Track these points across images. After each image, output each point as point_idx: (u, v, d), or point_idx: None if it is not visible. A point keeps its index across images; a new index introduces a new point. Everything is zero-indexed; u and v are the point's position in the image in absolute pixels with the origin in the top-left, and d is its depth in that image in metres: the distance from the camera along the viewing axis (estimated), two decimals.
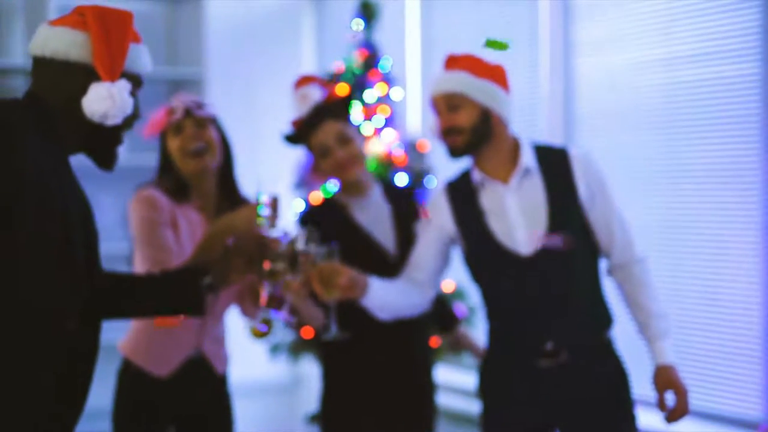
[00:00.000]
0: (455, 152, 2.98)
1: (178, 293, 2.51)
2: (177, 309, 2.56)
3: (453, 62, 2.99)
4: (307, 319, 3.09)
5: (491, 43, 2.92)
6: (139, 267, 3.00)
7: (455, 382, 4.50)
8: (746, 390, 3.57)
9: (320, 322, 3.01)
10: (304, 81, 3.25)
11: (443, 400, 4.28)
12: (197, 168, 3.05)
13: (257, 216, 2.69)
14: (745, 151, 3.52)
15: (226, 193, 3.14)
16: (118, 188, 4.71)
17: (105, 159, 2.25)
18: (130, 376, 3.05)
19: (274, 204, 2.72)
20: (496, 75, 2.98)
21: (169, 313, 2.63)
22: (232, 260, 2.61)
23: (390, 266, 3.13)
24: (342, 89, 3.40)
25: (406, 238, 3.17)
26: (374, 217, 3.22)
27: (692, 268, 3.73)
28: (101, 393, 2.83)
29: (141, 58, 2.24)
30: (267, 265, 2.68)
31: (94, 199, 2.27)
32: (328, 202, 3.28)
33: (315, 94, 3.19)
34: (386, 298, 2.96)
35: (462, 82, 2.94)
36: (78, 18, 2.18)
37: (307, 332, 4.19)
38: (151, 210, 2.98)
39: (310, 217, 3.25)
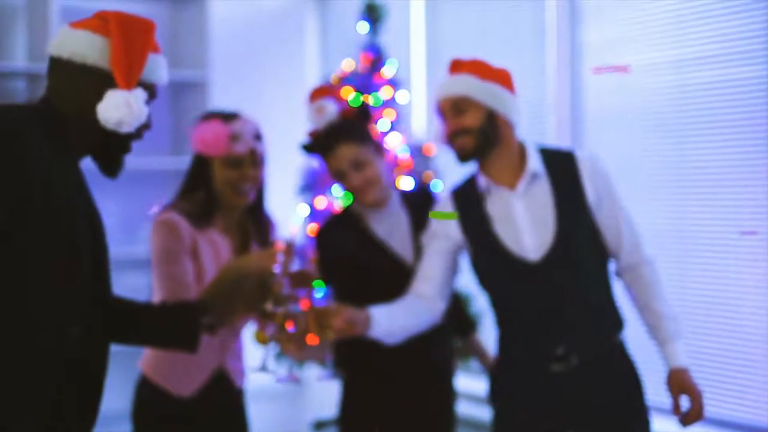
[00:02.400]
0: (464, 155, 2.95)
1: (174, 328, 2.46)
2: (170, 343, 2.53)
3: (458, 66, 2.97)
4: (308, 359, 3.04)
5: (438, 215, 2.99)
6: (156, 295, 2.96)
7: (466, 388, 4.45)
8: (756, 396, 3.53)
9: (323, 358, 2.96)
10: (319, 93, 3.21)
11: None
12: (241, 203, 3.01)
13: (271, 262, 2.63)
14: (755, 154, 3.49)
15: (253, 218, 3.10)
16: (120, 192, 4.67)
17: (111, 166, 2.22)
18: (149, 392, 3.00)
19: (289, 249, 2.66)
20: (502, 78, 2.96)
21: (162, 346, 2.62)
22: (232, 300, 2.58)
23: (408, 276, 3.08)
24: (355, 101, 3.36)
25: None
26: (392, 226, 3.18)
27: (702, 272, 3.69)
28: (113, 397, 2.80)
29: (159, 68, 2.22)
30: (268, 306, 2.62)
31: (96, 202, 2.25)
32: (344, 213, 3.24)
33: (331, 107, 3.16)
34: (392, 324, 2.90)
35: (467, 84, 2.92)
36: (100, 22, 2.16)
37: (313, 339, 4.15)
38: (172, 238, 2.91)
39: (325, 229, 3.22)
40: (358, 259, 3.13)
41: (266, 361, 2.70)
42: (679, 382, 2.84)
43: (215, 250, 2.99)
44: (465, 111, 2.91)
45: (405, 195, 3.28)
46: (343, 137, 3.11)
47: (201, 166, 3.02)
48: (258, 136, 3.01)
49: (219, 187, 2.99)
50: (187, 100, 4.88)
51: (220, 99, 4.76)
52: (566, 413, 2.88)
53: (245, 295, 2.60)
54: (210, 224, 3.00)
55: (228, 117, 3.01)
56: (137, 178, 4.66)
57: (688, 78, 3.73)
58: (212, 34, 4.89)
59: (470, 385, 4.46)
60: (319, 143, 3.14)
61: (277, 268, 2.60)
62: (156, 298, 2.97)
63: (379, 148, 3.18)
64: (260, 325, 2.65)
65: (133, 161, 4.07)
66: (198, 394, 3.00)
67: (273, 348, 2.71)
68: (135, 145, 2.28)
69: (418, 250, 3.14)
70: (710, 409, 3.59)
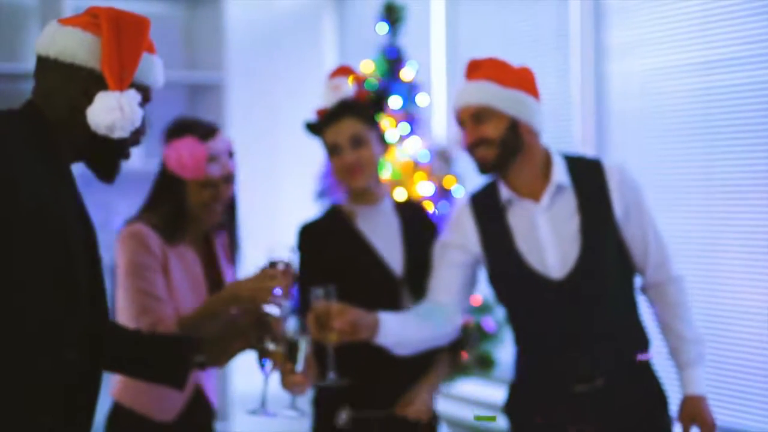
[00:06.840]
0: (485, 167, 2.80)
1: (164, 364, 2.34)
2: (158, 379, 2.39)
3: (475, 70, 2.81)
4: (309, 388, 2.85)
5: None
6: (124, 310, 2.82)
7: (484, 396, 4.37)
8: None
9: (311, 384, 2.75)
10: (339, 71, 3.11)
11: (468, 414, 4.16)
12: (212, 221, 2.96)
13: (265, 287, 2.53)
14: None
15: (228, 235, 3.04)
16: (133, 193, 4.60)
17: (106, 171, 2.09)
18: (126, 421, 2.90)
19: (286, 272, 2.55)
20: (523, 82, 2.80)
21: (149, 380, 2.46)
22: (227, 339, 2.46)
23: (395, 283, 2.93)
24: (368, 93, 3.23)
25: (416, 259, 2.96)
26: (381, 228, 3.00)
27: (732, 278, 3.59)
28: None
29: (153, 69, 2.08)
30: (268, 345, 2.50)
31: (108, 204, 2.16)
32: (333, 210, 3.08)
33: (346, 87, 3.04)
34: (404, 333, 2.74)
35: (487, 93, 2.76)
36: (90, 19, 2.03)
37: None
38: (142, 251, 2.81)
39: (311, 227, 3.06)
40: (339, 258, 2.97)
41: (264, 400, 2.55)
42: (692, 411, 2.73)
43: (185, 264, 2.92)
44: (486, 120, 2.77)
45: (399, 203, 3.11)
46: (349, 111, 2.96)
47: (171, 181, 2.92)
48: (231, 153, 2.96)
49: (191, 206, 2.92)
50: (204, 102, 4.81)
51: (237, 101, 4.70)
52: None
53: (240, 332, 2.49)
54: (180, 239, 2.93)
55: (204, 134, 2.90)
56: (148, 179, 4.60)
57: (714, 80, 3.65)
58: (229, 36, 4.82)
59: (488, 392, 4.37)
60: (324, 117, 3.01)
61: (277, 291, 2.50)
62: (121, 312, 2.84)
63: (382, 140, 3.01)
64: (258, 361, 2.53)
65: (145, 162, 4.01)
66: (178, 416, 2.91)
67: (268, 385, 2.57)
68: (147, 145, 2.18)
69: (407, 261, 2.97)
70: (737, 420, 3.53)
